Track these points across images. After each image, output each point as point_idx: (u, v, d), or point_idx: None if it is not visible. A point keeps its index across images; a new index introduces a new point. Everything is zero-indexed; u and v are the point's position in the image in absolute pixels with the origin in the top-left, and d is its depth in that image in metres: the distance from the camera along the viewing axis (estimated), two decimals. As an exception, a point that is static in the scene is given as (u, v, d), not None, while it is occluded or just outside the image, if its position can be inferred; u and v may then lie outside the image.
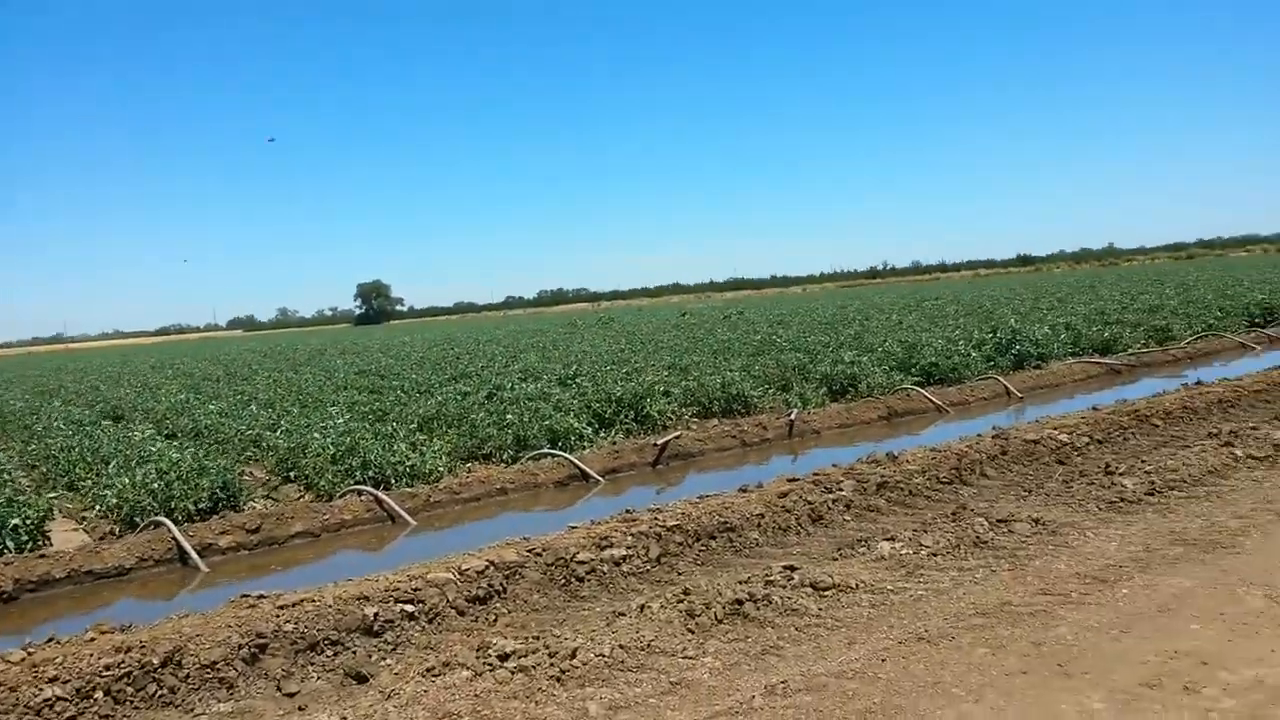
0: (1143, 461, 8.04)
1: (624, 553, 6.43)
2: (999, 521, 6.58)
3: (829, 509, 7.44)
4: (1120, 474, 7.62)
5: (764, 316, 36.52)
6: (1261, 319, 21.24)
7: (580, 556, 6.27)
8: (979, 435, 9.36)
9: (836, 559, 6.29)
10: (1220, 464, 7.77)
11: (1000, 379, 14.61)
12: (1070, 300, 29.58)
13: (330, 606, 5.56)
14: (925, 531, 6.49)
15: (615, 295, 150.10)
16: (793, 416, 12.14)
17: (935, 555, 6.06)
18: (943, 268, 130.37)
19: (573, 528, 6.90)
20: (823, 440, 11.95)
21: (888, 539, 6.41)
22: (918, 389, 13.75)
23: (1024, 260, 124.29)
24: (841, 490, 7.69)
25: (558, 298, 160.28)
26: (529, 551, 6.22)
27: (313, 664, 5.22)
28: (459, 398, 14.42)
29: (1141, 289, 32.86)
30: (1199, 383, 12.07)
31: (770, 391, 13.95)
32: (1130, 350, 17.31)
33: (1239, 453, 8.03)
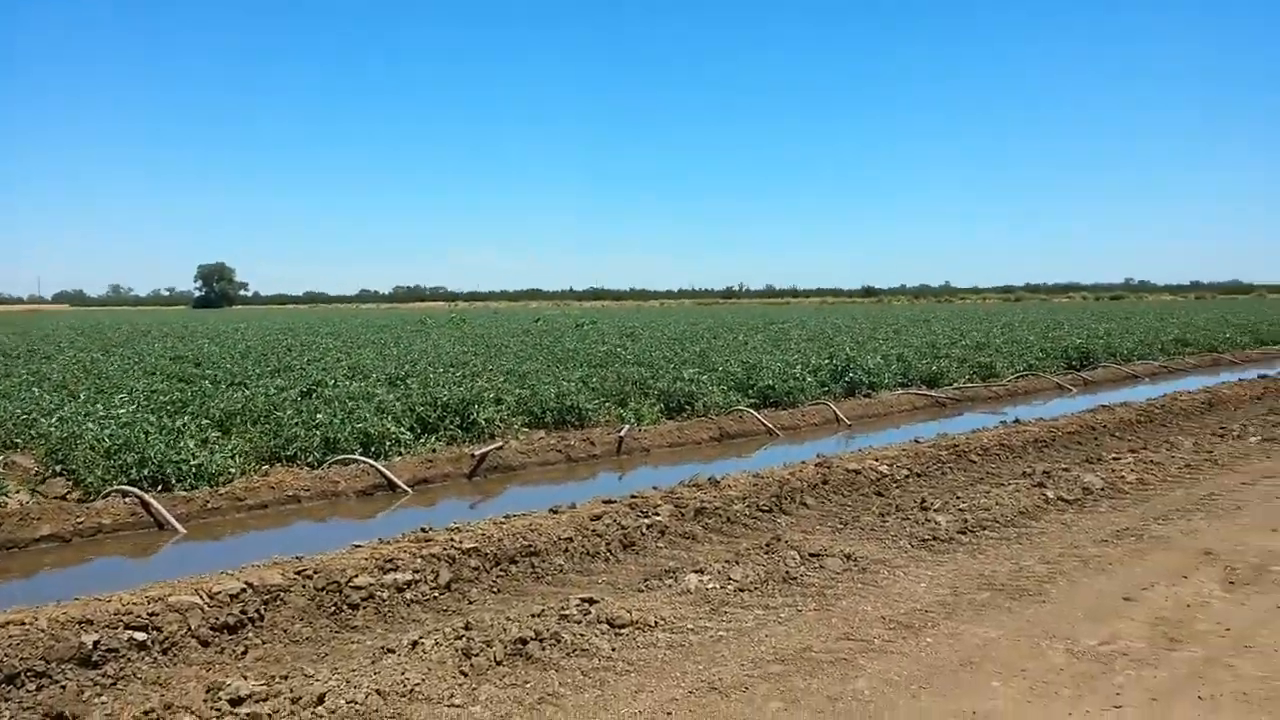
0: (958, 498, 8.00)
1: (410, 577, 5.81)
2: (811, 555, 6.31)
3: (642, 535, 7.03)
4: (935, 510, 7.53)
5: (615, 328, 36.21)
6: (1078, 362, 22.37)
7: (358, 581, 5.61)
8: (803, 463, 9.19)
9: (642, 590, 5.87)
10: (1032, 505, 7.80)
11: (832, 405, 14.69)
12: (905, 332, 30.55)
13: (44, 631, 4.71)
14: (736, 563, 6.15)
15: (474, 296, 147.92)
16: (623, 433, 11.75)
17: (743, 591, 5.72)
18: (794, 293, 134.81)
19: (357, 546, 6.22)
20: (652, 458, 11.60)
21: (696, 571, 6.03)
22: (751, 411, 13.63)
23: (868, 291, 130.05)
24: (658, 515, 7.30)
25: (414, 294, 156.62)
26: (297, 573, 5.51)
27: (8, 700, 4.39)
28: (273, 392, 13.34)
29: (971, 326, 34.31)
30: (1017, 421, 12.39)
31: (607, 405, 13.52)
32: (956, 384, 17.83)
33: (1050, 494, 8.10)
